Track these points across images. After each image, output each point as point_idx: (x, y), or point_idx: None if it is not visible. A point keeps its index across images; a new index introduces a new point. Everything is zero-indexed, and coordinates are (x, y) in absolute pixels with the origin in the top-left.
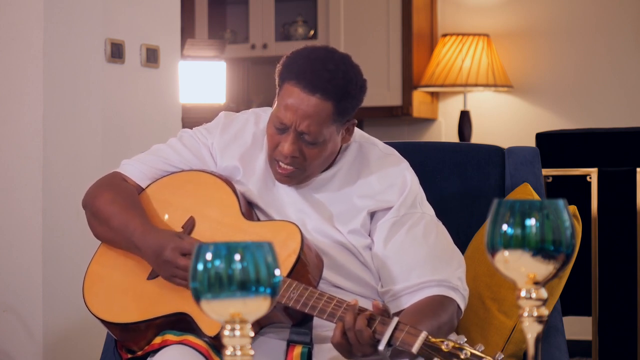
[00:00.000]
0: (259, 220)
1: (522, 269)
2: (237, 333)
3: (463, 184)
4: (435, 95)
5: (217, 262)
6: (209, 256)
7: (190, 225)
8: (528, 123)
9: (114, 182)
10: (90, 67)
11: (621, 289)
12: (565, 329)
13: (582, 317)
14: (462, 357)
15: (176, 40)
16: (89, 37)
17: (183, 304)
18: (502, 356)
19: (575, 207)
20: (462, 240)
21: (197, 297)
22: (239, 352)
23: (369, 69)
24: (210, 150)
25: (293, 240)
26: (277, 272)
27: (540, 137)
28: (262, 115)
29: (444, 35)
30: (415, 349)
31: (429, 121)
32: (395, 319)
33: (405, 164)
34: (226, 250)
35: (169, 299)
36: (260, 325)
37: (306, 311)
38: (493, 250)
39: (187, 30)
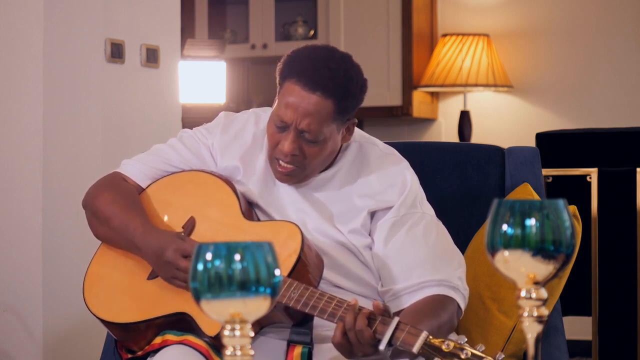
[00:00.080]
0: (259, 220)
1: (522, 269)
2: (237, 333)
3: (463, 184)
4: (435, 95)
5: (217, 262)
6: (209, 256)
7: (190, 225)
8: (528, 123)
9: (114, 182)
10: (90, 67)
11: (621, 289)
12: (565, 329)
13: (582, 317)
14: (463, 357)
15: (176, 40)
16: (89, 37)
17: (183, 304)
18: (503, 356)
19: (575, 207)
20: (462, 240)
21: (197, 297)
22: (239, 352)
23: (369, 69)
24: (210, 150)
25: (293, 240)
26: (277, 272)
27: (540, 137)
28: (262, 115)
29: (444, 35)
30: (416, 348)
31: (429, 121)
32: (396, 319)
33: (405, 164)
34: (226, 250)
35: (169, 299)
36: (260, 325)
37: (306, 311)
38: (493, 250)
39: (187, 30)
